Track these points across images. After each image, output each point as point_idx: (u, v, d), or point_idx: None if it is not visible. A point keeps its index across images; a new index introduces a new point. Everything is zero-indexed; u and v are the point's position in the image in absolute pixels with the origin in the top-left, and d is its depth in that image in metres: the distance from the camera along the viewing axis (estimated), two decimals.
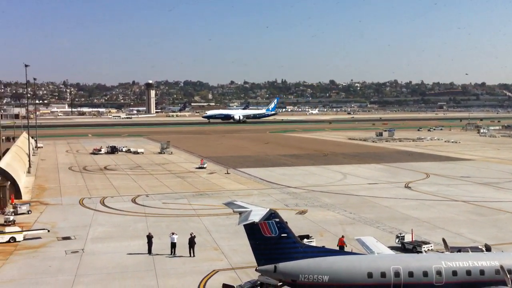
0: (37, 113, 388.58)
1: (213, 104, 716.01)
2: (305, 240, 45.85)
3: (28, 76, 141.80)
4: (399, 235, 53.01)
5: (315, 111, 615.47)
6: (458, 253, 39.81)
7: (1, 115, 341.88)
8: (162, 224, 62.21)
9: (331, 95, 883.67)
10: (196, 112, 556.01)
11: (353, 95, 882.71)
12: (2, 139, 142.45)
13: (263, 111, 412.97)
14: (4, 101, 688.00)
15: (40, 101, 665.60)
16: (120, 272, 45.10)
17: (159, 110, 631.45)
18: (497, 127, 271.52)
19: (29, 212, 68.84)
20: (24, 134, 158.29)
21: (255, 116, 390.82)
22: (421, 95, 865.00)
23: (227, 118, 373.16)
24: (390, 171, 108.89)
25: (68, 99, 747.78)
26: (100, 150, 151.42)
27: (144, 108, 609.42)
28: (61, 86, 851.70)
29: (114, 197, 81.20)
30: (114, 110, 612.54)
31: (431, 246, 50.06)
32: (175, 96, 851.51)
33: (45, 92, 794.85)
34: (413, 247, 49.87)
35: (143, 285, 41.91)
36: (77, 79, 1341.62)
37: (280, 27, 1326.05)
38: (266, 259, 34.65)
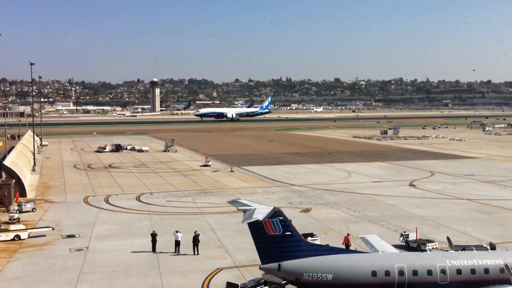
0: (42, 111, 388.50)
1: (218, 102, 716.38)
2: (309, 238, 45.85)
3: (33, 74, 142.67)
4: (403, 233, 52.85)
5: (320, 109, 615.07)
6: (463, 251, 39.61)
7: (7, 113, 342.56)
8: (166, 222, 62.26)
9: (336, 93, 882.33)
10: None
11: (358, 93, 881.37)
12: (7, 137, 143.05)
13: (256, 109, 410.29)
14: (10, 99, 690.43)
15: (45, 99, 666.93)
16: (124, 270, 45.16)
17: (164, 108, 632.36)
18: (503, 125, 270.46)
19: (34, 210, 68.84)
20: (29, 132, 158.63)
21: (248, 114, 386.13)
22: (426, 93, 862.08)
23: (220, 116, 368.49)
24: (395, 169, 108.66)
25: (73, 97, 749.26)
26: (104, 148, 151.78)
27: (149, 106, 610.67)
28: (66, 84, 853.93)
29: (118, 195, 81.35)
30: (119, 108, 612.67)
31: (435, 245, 49.85)
32: (179, 94, 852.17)
33: (50, 90, 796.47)
34: (418, 246, 49.71)
35: (147, 283, 41.93)
36: (82, 77, 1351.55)
37: (284, 24, 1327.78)
38: (270, 257, 34.57)
